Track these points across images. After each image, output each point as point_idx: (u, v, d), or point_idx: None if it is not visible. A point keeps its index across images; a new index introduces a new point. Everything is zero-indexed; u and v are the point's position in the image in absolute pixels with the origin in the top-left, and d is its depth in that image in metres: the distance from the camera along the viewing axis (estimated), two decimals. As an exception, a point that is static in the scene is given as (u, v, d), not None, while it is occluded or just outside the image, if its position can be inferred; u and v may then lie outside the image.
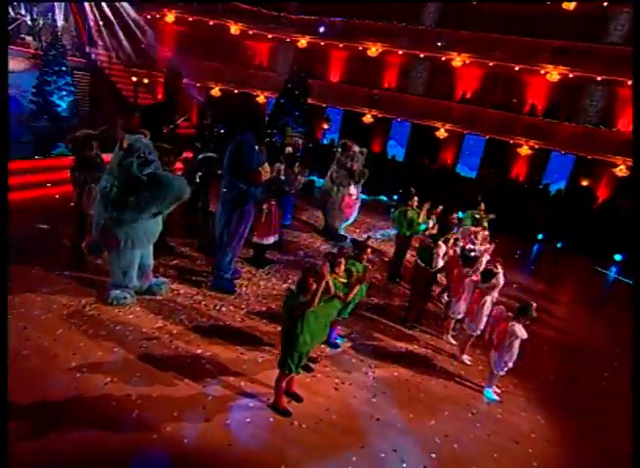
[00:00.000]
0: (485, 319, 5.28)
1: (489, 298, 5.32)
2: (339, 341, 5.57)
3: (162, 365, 4.68)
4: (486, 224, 8.89)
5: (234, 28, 17.68)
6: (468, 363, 5.68)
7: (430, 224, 7.24)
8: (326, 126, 17.83)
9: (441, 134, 17.06)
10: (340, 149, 9.31)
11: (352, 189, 9.31)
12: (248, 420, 4.14)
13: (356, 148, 9.19)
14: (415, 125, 18.10)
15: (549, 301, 8.66)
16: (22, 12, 14.47)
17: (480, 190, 14.39)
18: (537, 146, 16.00)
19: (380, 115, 18.04)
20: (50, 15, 15.22)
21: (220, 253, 6.24)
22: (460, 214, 10.93)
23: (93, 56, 15.50)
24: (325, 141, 18.02)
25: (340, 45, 17.87)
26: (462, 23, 15.98)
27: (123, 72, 15.62)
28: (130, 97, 14.72)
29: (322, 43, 18.06)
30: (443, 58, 16.54)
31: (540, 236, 13.13)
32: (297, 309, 3.72)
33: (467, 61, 16.19)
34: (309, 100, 17.66)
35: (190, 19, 17.19)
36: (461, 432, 4.48)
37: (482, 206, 8.91)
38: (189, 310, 5.84)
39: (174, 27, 18.19)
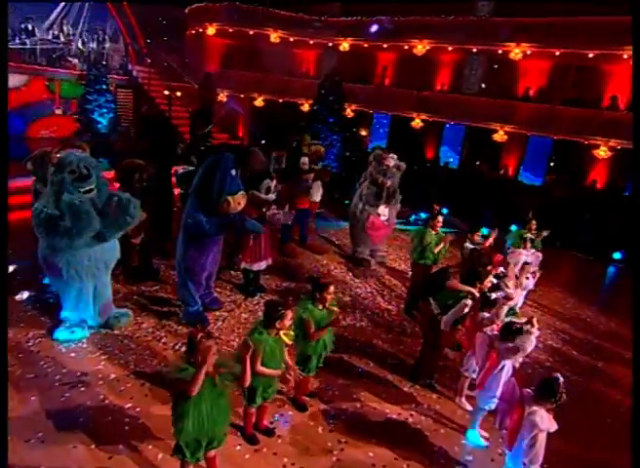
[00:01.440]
0: (501, 390, 3.75)
1: (508, 364, 3.73)
2: (307, 398, 4.39)
3: (73, 423, 3.84)
4: (539, 246, 7.23)
5: (274, 36, 17.25)
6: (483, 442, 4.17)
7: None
8: (364, 133, 16.68)
9: (500, 137, 15.04)
10: (373, 161, 8.16)
11: (382, 209, 8.02)
12: (143, 518, 3.15)
13: (391, 162, 7.93)
14: (470, 128, 16.24)
15: (620, 346, 6.62)
16: (72, 37, 15.22)
17: (547, 200, 12.39)
18: (619, 147, 13.41)
19: (430, 119, 16.45)
20: (98, 37, 15.90)
21: (180, 284, 5.38)
22: (514, 228, 9.35)
23: (134, 73, 15.88)
24: (370, 149, 16.89)
25: (385, 46, 16.63)
26: (521, 10, 13.91)
27: (162, 87, 15.81)
28: (166, 110, 14.81)
29: (366, 45, 16.97)
30: (500, 51, 14.57)
31: (617, 255, 10.74)
32: (175, 385, 2.66)
33: (529, 52, 14.08)
34: (355, 107, 16.67)
35: (230, 29, 17.05)
36: None
37: (533, 223, 7.24)
38: (143, 349, 5.01)
39: (217, 40, 18.23)
